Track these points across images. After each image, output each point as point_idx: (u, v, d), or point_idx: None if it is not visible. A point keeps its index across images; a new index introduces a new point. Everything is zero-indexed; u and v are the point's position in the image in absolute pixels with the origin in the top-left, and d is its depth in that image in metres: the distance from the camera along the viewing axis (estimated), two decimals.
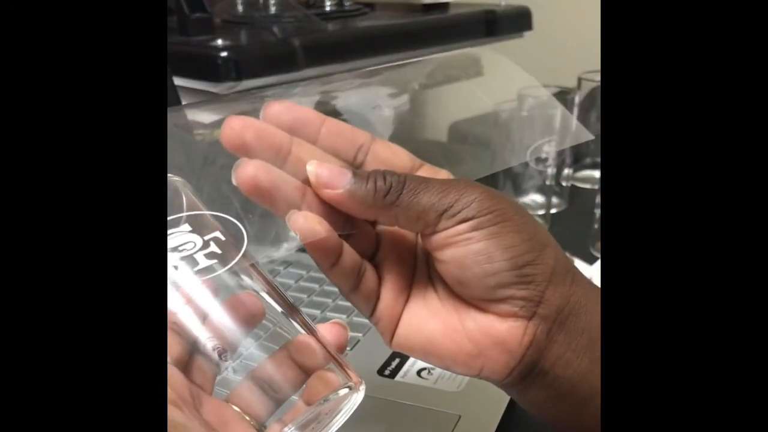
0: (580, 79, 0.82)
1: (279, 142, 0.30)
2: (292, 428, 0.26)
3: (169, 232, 0.27)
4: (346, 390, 0.28)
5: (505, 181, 0.72)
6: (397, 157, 0.32)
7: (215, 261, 0.27)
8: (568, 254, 0.32)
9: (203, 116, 0.32)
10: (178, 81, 0.60)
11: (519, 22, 0.91)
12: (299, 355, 0.28)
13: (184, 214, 0.28)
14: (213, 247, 0.28)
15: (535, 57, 1.09)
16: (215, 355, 0.27)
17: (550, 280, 0.29)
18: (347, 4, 0.83)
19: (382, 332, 0.32)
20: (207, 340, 0.27)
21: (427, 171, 0.33)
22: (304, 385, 0.28)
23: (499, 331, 0.30)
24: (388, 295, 0.31)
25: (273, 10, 0.77)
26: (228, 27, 0.74)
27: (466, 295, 0.30)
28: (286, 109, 0.31)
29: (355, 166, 0.31)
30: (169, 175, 0.29)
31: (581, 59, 0.78)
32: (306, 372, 0.28)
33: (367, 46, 0.73)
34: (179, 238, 0.28)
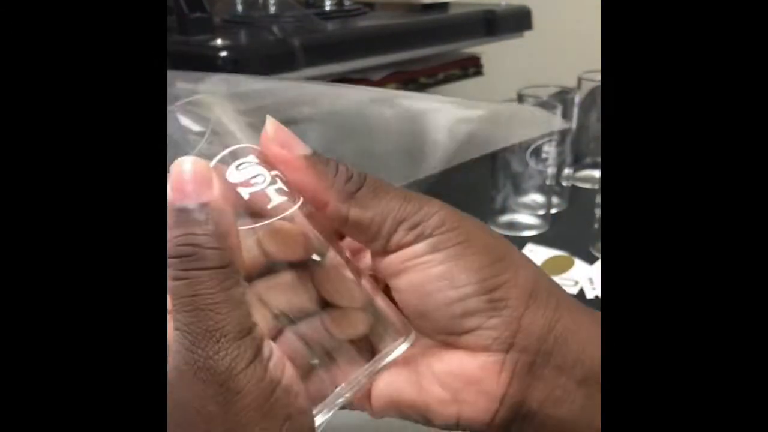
0: (580, 79, 0.82)
1: None
2: (360, 377, 0.25)
3: (239, 162, 0.26)
4: (405, 343, 0.27)
5: (505, 181, 0.72)
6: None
7: (285, 198, 0.26)
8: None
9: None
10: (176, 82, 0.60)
11: (519, 21, 0.91)
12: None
13: (250, 145, 0.27)
14: (280, 184, 0.26)
15: (535, 57, 1.09)
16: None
17: (527, 304, 0.26)
18: (347, 3, 0.83)
19: (359, 406, 0.29)
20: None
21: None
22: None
23: (472, 369, 0.26)
24: None
25: (272, 9, 0.77)
26: (227, 27, 0.74)
27: (429, 330, 0.27)
28: None
29: None
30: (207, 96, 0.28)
31: (581, 59, 0.78)
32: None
33: (367, 45, 0.73)
34: (250, 169, 0.26)
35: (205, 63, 0.61)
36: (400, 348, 0.26)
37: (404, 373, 0.27)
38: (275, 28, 0.70)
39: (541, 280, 0.27)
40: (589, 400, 0.26)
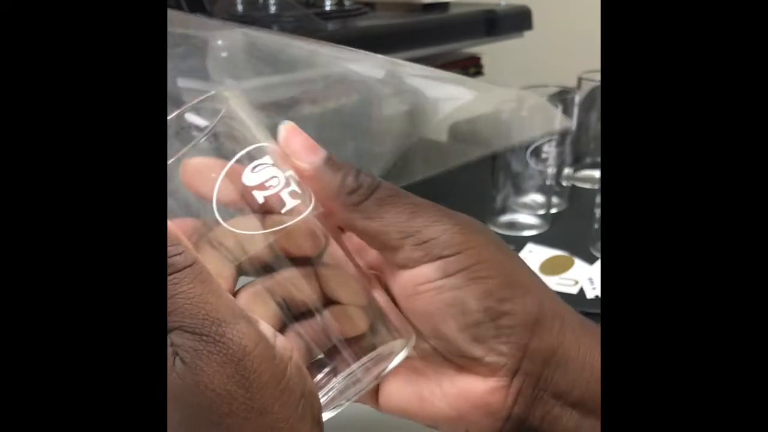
0: (580, 79, 0.82)
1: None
2: (357, 371, 0.26)
3: (255, 163, 0.26)
4: (405, 350, 0.27)
5: (505, 181, 0.72)
6: None
7: (299, 201, 0.26)
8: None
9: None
10: (178, 81, 0.60)
11: (519, 21, 0.91)
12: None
13: (266, 144, 0.27)
14: (294, 186, 0.27)
15: (535, 57, 1.09)
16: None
17: (533, 330, 0.27)
18: (347, 3, 0.83)
19: (366, 401, 0.30)
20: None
21: None
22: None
23: (480, 393, 0.27)
24: None
25: (273, 9, 0.77)
26: None
27: (442, 349, 0.28)
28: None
29: None
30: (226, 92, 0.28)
31: (581, 59, 0.78)
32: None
33: (367, 45, 0.73)
34: (265, 171, 0.26)
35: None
36: (402, 353, 0.27)
37: (409, 389, 0.29)
38: (275, 28, 0.70)
39: (547, 301, 0.28)
40: (582, 419, 0.28)
